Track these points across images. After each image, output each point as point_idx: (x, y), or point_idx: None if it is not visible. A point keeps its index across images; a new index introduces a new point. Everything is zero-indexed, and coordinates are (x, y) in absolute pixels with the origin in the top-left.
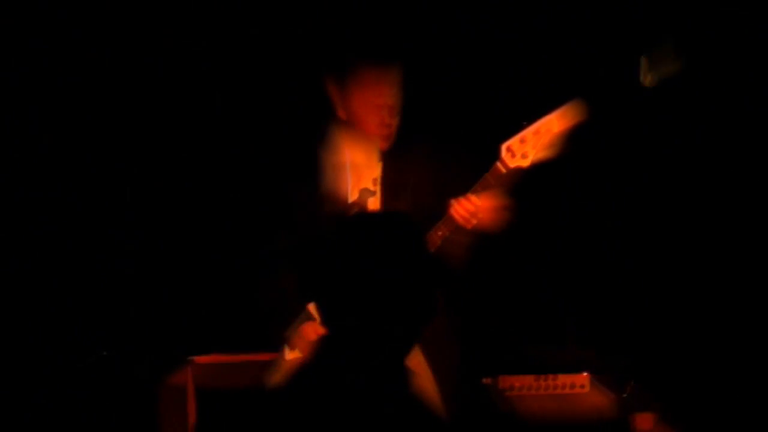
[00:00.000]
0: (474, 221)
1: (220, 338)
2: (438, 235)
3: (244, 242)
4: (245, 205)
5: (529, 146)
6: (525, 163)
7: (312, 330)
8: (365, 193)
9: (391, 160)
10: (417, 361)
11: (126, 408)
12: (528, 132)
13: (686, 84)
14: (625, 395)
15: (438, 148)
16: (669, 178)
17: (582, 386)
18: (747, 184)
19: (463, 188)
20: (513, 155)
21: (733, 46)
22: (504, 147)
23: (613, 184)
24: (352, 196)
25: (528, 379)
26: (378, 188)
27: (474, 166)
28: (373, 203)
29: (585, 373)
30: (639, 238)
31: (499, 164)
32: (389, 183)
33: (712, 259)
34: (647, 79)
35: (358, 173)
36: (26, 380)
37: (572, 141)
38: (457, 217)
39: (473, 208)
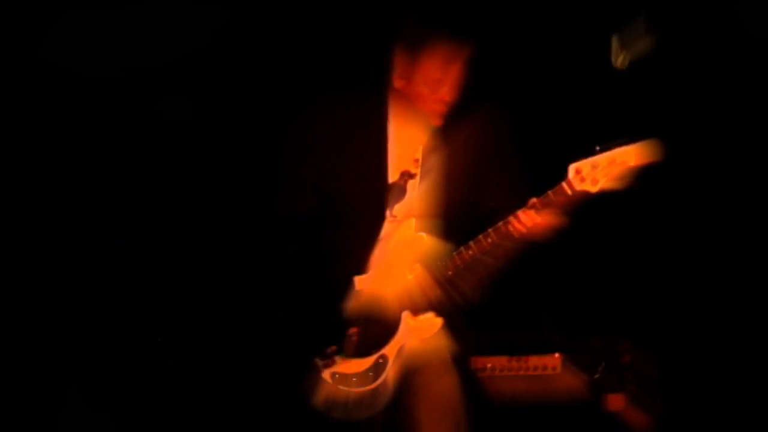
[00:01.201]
0: (529, 236)
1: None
2: (487, 241)
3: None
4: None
5: (600, 173)
6: (594, 189)
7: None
8: (405, 176)
9: (433, 143)
10: (442, 362)
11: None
12: (602, 158)
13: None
14: (596, 376)
15: (482, 138)
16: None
17: (554, 368)
18: (716, 175)
19: (504, 182)
20: (582, 179)
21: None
22: (573, 168)
23: None
24: (392, 177)
25: (500, 361)
26: (418, 171)
27: (518, 159)
28: (412, 187)
29: (557, 355)
30: (614, 223)
31: (564, 185)
32: (429, 168)
33: (684, 246)
34: (619, 59)
35: (401, 150)
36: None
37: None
38: (512, 230)
39: (531, 224)
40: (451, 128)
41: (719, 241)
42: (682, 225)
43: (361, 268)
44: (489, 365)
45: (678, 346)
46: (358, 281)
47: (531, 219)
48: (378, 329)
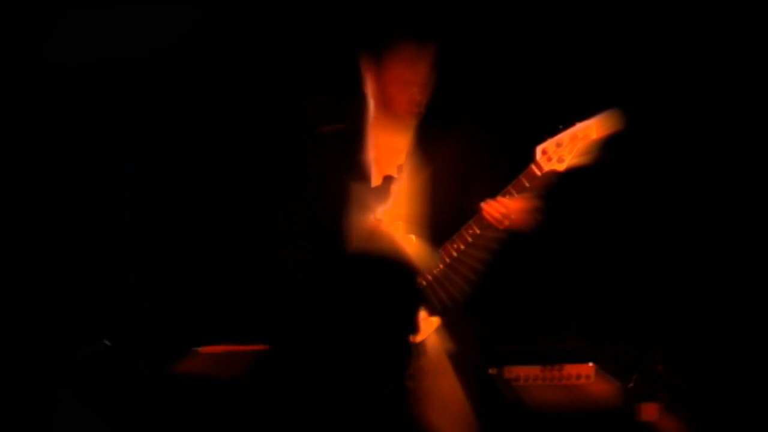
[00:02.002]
0: (506, 222)
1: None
2: (469, 233)
3: (249, 233)
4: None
5: (565, 150)
6: (561, 167)
7: None
8: (388, 179)
9: (416, 148)
10: (440, 362)
11: (130, 398)
12: (565, 136)
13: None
14: (630, 385)
15: (465, 142)
16: (673, 174)
17: (587, 376)
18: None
19: (488, 184)
20: (549, 158)
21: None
22: (539, 149)
23: (613, 178)
24: (375, 181)
25: (534, 370)
26: (401, 176)
27: (501, 161)
28: (396, 191)
29: (590, 364)
30: (645, 229)
31: (533, 167)
32: (412, 173)
33: (716, 253)
34: None
35: (383, 157)
36: (31, 374)
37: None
38: (489, 218)
39: (505, 210)
40: (433, 134)
41: (751, 250)
42: (709, 233)
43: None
44: (522, 374)
45: (711, 354)
46: None
47: (505, 205)
48: None
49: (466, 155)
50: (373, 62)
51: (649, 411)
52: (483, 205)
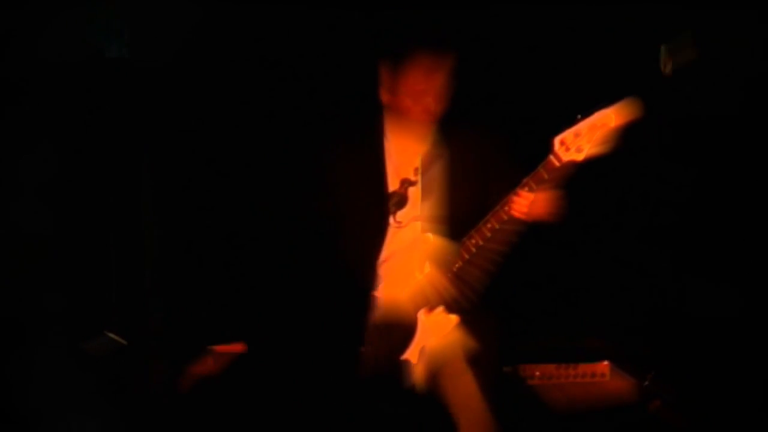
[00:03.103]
0: (529, 215)
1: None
2: (487, 228)
3: (261, 235)
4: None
5: (584, 140)
6: (579, 157)
7: None
8: (405, 183)
9: (432, 150)
10: (459, 362)
11: (146, 399)
12: (583, 125)
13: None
14: (646, 383)
15: (481, 139)
16: (689, 172)
17: (602, 375)
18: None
19: (505, 179)
20: (567, 149)
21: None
22: (557, 140)
23: (628, 177)
24: (392, 186)
25: (549, 368)
26: (419, 179)
27: (517, 156)
28: (414, 194)
29: (605, 362)
30: (657, 228)
31: (552, 157)
32: (430, 175)
33: (730, 252)
34: (667, 67)
35: (399, 161)
36: (47, 370)
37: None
38: (512, 212)
39: (528, 203)
40: (449, 133)
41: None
42: (723, 229)
43: (369, 275)
44: (537, 373)
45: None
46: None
47: (527, 198)
48: (398, 335)
49: (482, 151)
50: (389, 71)
51: (662, 407)
52: (508, 201)
